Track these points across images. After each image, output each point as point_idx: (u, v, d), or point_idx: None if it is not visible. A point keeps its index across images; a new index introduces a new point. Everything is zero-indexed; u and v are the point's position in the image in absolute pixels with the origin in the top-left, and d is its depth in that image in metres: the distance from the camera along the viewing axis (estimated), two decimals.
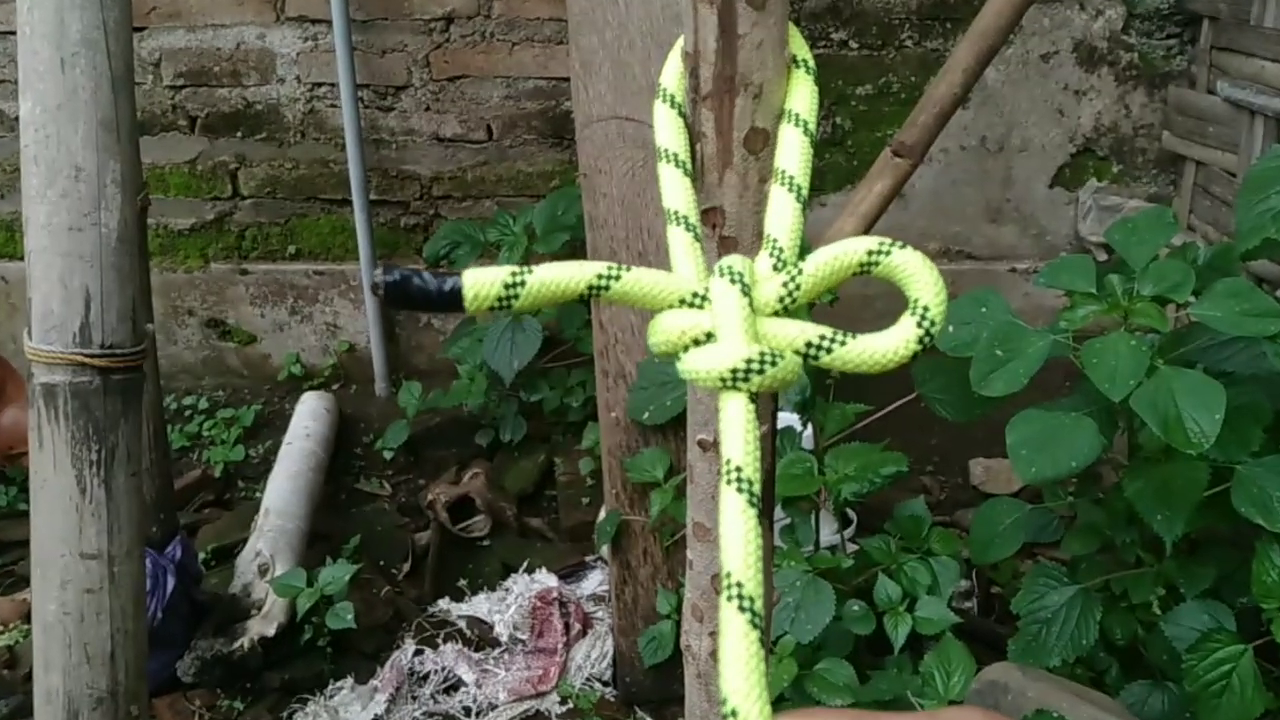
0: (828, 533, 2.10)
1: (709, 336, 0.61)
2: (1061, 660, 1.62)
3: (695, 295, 0.62)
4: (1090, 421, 1.49)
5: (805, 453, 1.88)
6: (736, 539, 0.55)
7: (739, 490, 0.57)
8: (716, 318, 0.60)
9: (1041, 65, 3.08)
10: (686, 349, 0.62)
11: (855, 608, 1.78)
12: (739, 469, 0.58)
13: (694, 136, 0.68)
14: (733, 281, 0.60)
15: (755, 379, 0.59)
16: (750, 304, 0.59)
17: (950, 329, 1.64)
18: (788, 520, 1.90)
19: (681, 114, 0.68)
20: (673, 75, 0.70)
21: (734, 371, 0.59)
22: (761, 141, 0.64)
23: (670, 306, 0.63)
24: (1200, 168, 3.01)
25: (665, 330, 0.62)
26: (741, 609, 0.53)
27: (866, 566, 1.85)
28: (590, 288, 0.60)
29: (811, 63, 0.66)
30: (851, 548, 2.03)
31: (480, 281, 0.57)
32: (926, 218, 3.23)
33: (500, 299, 0.58)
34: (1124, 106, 3.12)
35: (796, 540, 1.87)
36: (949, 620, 1.74)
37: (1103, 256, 3.08)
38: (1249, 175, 1.52)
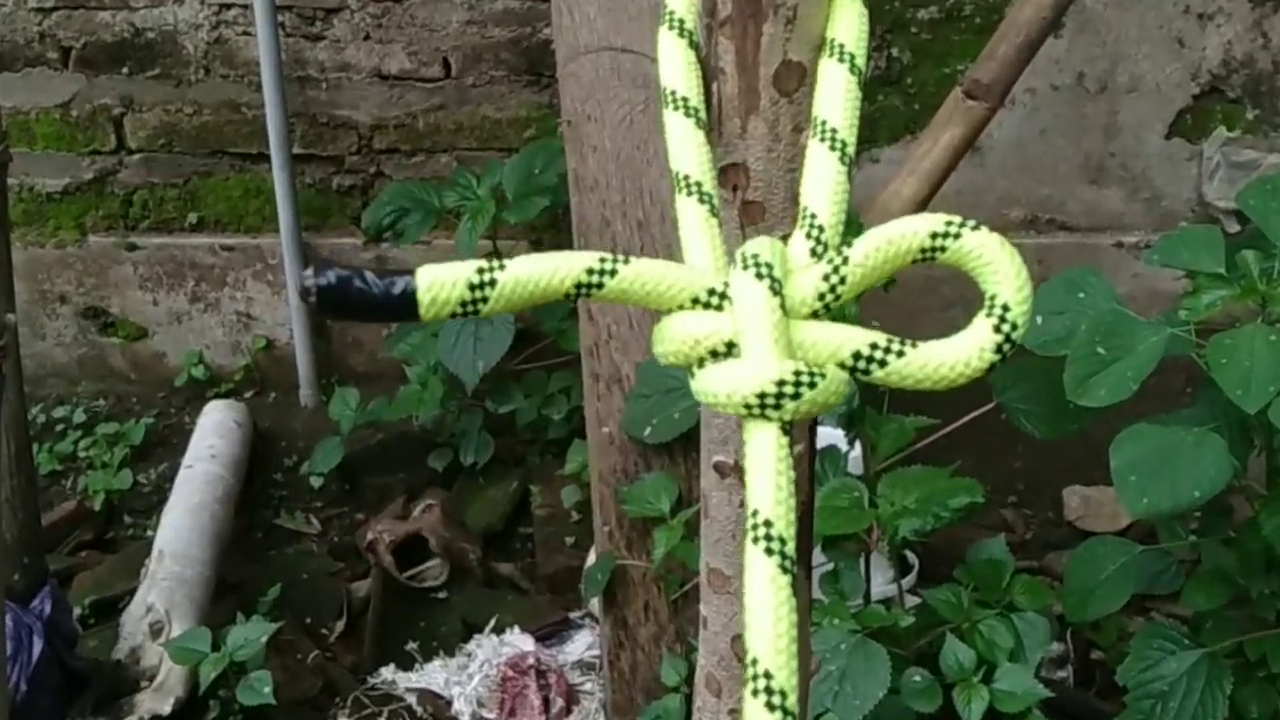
0: (881, 581, 2.10)
1: (730, 347, 0.60)
2: None
3: (712, 293, 0.61)
4: (1218, 439, 1.49)
5: (853, 479, 1.88)
6: (765, 616, 0.55)
7: (768, 552, 0.56)
8: (739, 323, 0.59)
9: None
10: (701, 362, 0.62)
11: (917, 678, 1.78)
12: (768, 523, 0.57)
13: (709, 74, 0.67)
14: (759, 275, 0.59)
15: (789, 405, 0.58)
16: (782, 305, 0.59)
17: (1038, 321, 1.64)
18: (830, 566, 1.90)
19: (693, 44, 0.68)
20: None
21: (762, 396, 0.58)
22: (796, 79, 0.64)
23: (681, 307, 0.62)
24: None
25: (675, 338, 0.62)
26: (771, 706, 0.53)
27: (931, 625, 1.85)
28: (578, 285, 0.59)
29: None
30: (912, 601, 2.03)
31: (438, 282, 0.57)
32: (1007, 177, 3.23)
33: (464, 303, 0.57)
34: (1261, 34, 3.11)
35: (841, 591, 1.86)
36: (1037, 694, 1.74)
37: (1234, 227, 3.08)
38: None
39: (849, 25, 0.64)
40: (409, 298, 0.56)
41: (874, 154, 3.19)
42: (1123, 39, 3.12)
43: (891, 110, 3.18)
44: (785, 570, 0.55)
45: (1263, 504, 1.56)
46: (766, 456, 0.58)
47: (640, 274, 0.60)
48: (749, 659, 0.55)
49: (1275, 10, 3.09)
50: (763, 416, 0.59)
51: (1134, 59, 3.13)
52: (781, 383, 0.58)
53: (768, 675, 0.54)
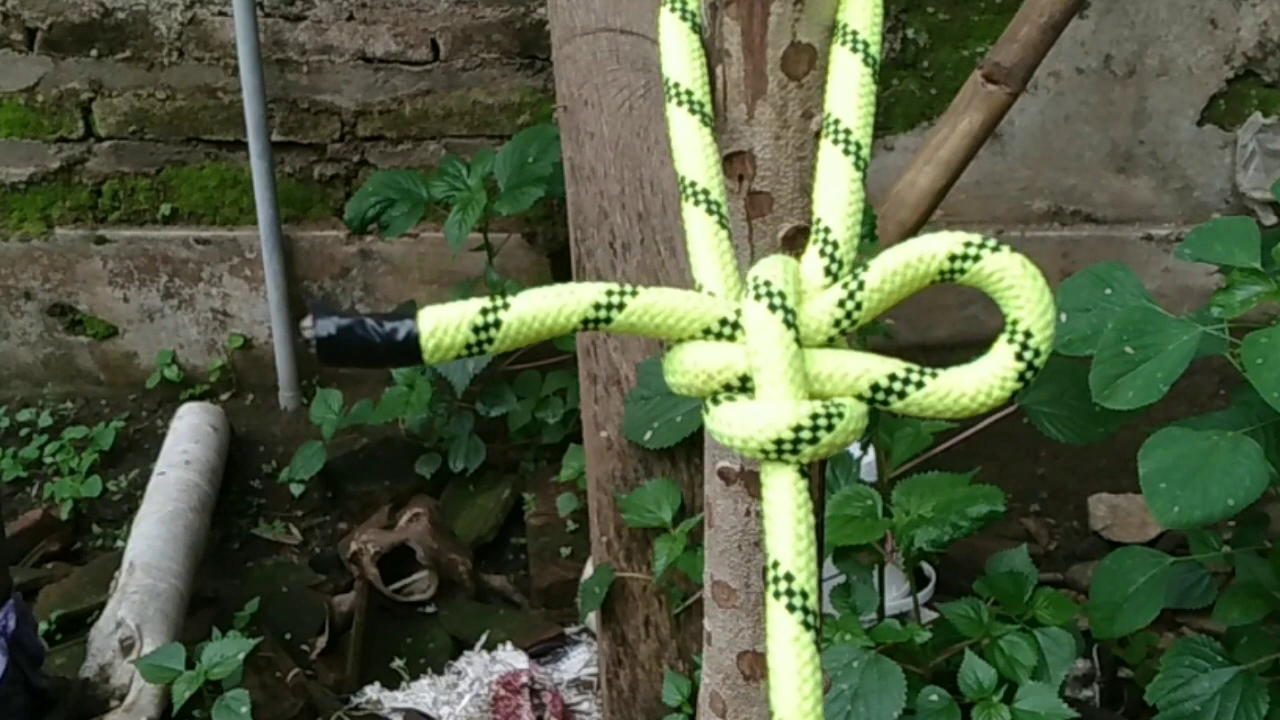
0: (896, 595, 2.10)
1: (744, 381, 0.61)
2: None
3: (724, 323, 0.62)
4: (1252, 444, 1.49)
5: (866, 486, 1.88)
6: (789, 677, 0.55)
7: (790, 608, 0.57)
8: (753, 359, 0.60)
9: None
10: (716, 397, 0.62)
11: (934, 698, 1.78)
12: (789, 577, 0.57)
13: (713, 57, 0.68)
14: (772, 308, 0.59)
15: (806, 450, 0.59)
16: (796, 336, 0.59)
17: (1063, 318, 1.64)
18: (842, 579, 1.90)
19: (696, 27, 0.68)
20: None
21: (779, 442, 0.59)
22: (806, 63, 0.64)
23: (693, 337, 0.63)
24: None
25: (687, 370, 0.62)
26: None
27: (949, 641, 1.85)
28: (585, 321, 0.60)
29: None
30: (928, 615, 2.03)
31: (441, 326, 0.57)
32: (1030, 166, 3.23)
33: (470, 345, 0.58)
34: None
35: (853, 606, 1.87)
36: (1061, 715, 1.74)
37: (1270, 219, 3.08)
38: None
39: (862, 6, 0.65)
40: (412, 343, 0.57)
41: (888, 141, 3.20)
42: (1152, 19, 3.12)
43: (907, 95, 3.19)
44: (808, 627, 0.57)
45: None
46: (785, 503, 0.59)
47: (649, 306, 0.61)
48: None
49: None
50: (781, 460, 0.60)
51: (1164, 40, 3.14)
52: (799, 428, 0.59)
53: None
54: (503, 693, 2.38)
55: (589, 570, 2.23)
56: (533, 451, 3.00)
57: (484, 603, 2.75)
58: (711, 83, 0.68)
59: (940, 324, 3.09)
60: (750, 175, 0.67)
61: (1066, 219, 3.28)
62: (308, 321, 0.57)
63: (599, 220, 1.98)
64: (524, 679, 2.40)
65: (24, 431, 3.28)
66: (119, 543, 2.82)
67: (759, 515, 0.72)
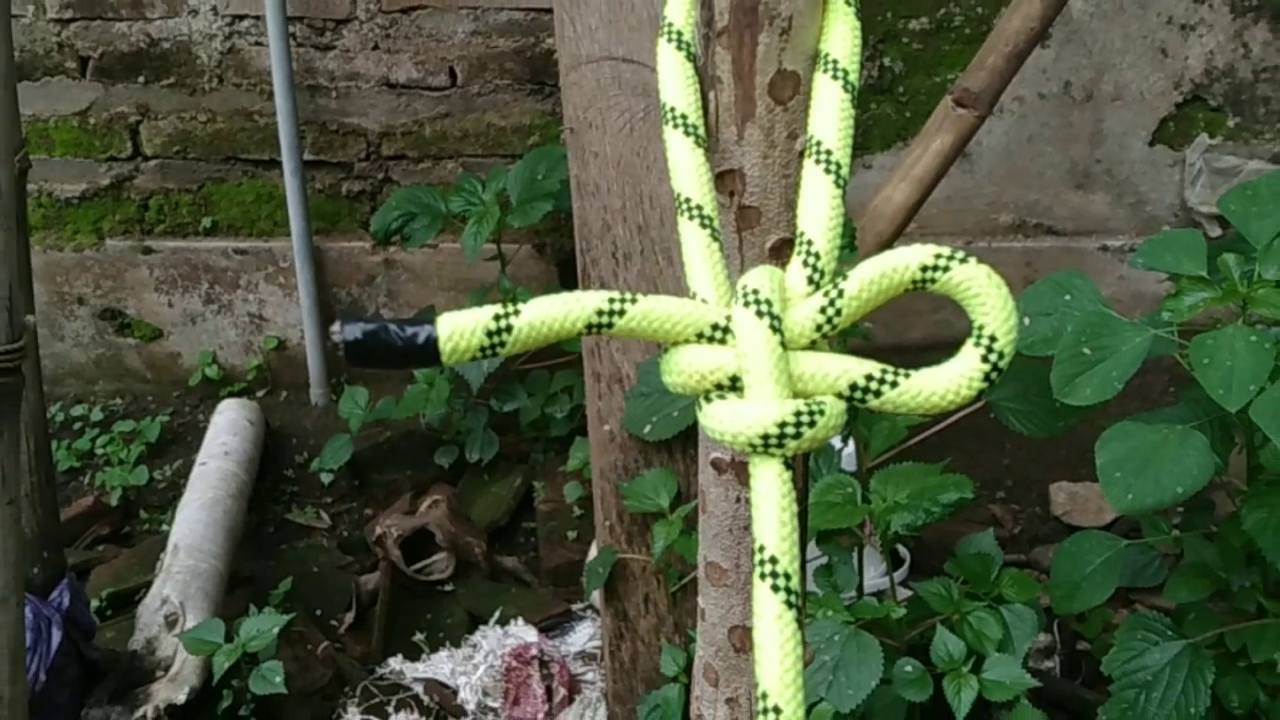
0: (873, 575, 2.10)
1: (734, 381, 0.62)
2: None
3: (716, 328, 0.62)
4: (1200, 437, 1.49)
5: (846, 475, 1.88)
6: (772, 651, 0.56)
7: (774, 589, 0.57)
8: (742, 360, 0.60)
9: None
10: (708, 395, 0.63)
11: (908, 668, 1.78)
12: (774, 559, 0.58)
13: (706, 82, 0.68)
14: (760, 314, 0.60)
15: (791, 444, 0.60)
16: (781, 341, 0.60)
17: (1026, 321, 1.64)
18: (824, 560, 1.90)
19: (691, 57, 0.68)
20: (680, 7, 0.70)
21: (765, 437, 0.60)
22: (791, 88, 0.64)
23: (687, 341, 0.63)
24: None
25: (683, 370, 0.63)
26: None
27: (922, 617, 1.85)
28: (589, 325, 0.60)
29: None
30: (903, 593, 2.03)
31: (458, 329, 0.58)
32: (996, 183, 3.23)
33: (483, 348, 0.58)
34: (1242, 44, 3.12)
35: (835, 585, 1.87)
36: (1024, 683, 1.74)
37: (1216, 231, 3.08)
38: None
39: (842, 38, 0.65)
40: (431, 346, 0.58)
41: (867, 160, 3.19)
42: (1108, 49, 3.12)
43: (884, 118, 3.19)
44: (791, 606, 0.57)
45: (1244, 500, 1.56)
46: (771, 493, 0.60)
47: (647, 312, 0.61)
48: (759, 693, 0.56)
49: (1256, 21, 3.10)
50: (767, 454, 0.60)
51: (1119, 68, 3.14)
52: (783, 424, 0.59)
53: (778, 711, 0.55)
54: (514, 664, 2.38)
55: (593, 552, 2.22)
56: (542, 444, 3.00)
57: (497, 582, 2.75)
58: (705, 107, 0.67)
59: (914, 327, 3.09)
60: (740, 191, 0.67)
61: (1029, 231, 3.28)
62: (336, 327, 0.57)
63: (602, 232, 1.97)
64: (534, 651, 2.40)
65: (77, 425, 3.28)
66: (164, 527, 2.82)
67: (748, 502, 0.72)
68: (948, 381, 0.60)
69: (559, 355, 2.88)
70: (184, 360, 3.41)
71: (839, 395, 0.61)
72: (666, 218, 1.91)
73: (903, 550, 2.34)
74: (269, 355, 3.39)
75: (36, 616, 2.11)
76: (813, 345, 0.62)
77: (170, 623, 2.31)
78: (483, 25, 3.13)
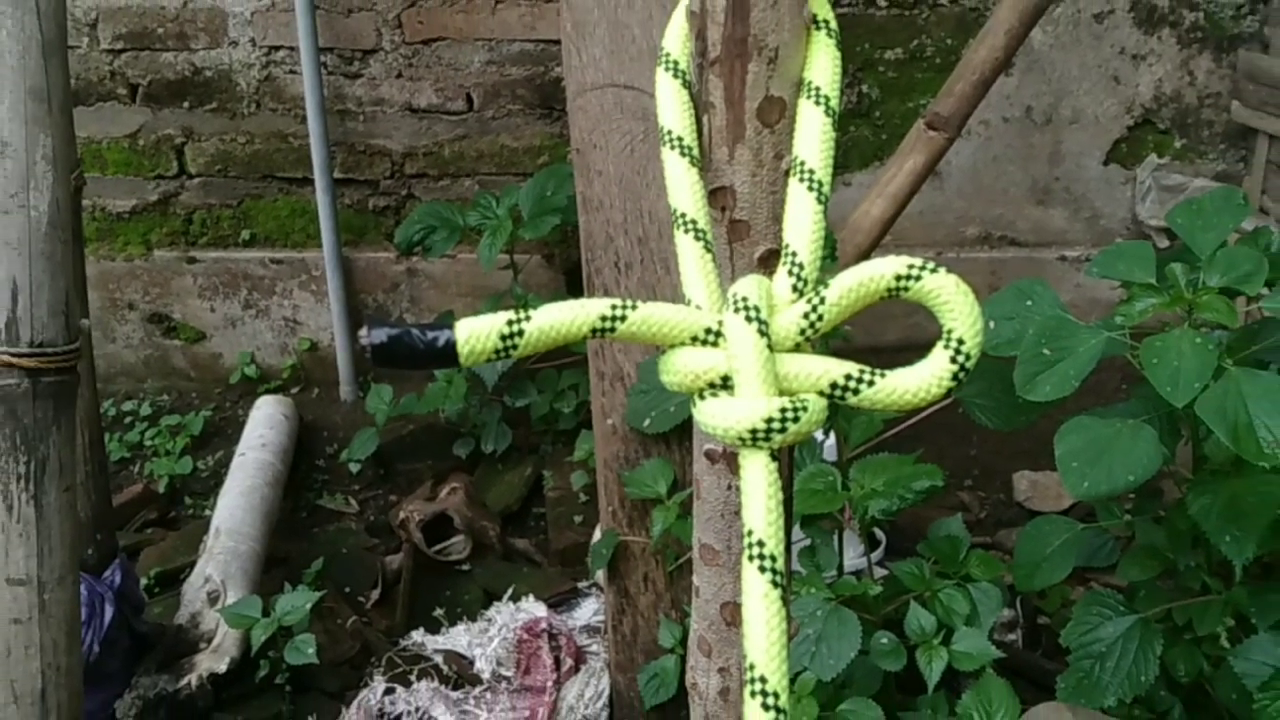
0: (853, 555, 2.10)
1: (725, 380, 0.62)
2: (1118, 700, 1.62)
3: (709, 331, 0.62)
4: (1149, 430, 1.49)
5: (827, 465, 1.88)
6: (760, 626, 0.56)
7: (761, 569, 0.57)
8: (732, 362, 0.60)
9: (1095, 26, 3.08)
10: (702, 393, 0.63)
11: (884, 640, 1.78)
12: (761, 543, 0.58)
13: (700, 107, 0.68)
14: (748, 319, 0.60)
15: (777, 438, 0.60)
16: (768, 344, 0.60)
17: (991, 324, 1.64)
18: (807, 542, 1.90)
19: (686, 84, 0.68)
20: (677, 38, 0.70)
21: (753, 431, 0.60)
22: (778, 112, 0.64)
23: (683, 344, 0.63)
24: (1274, 142, 3.00)
25: (679, 370, 0.63)
26: (767, 706, 0.54)
27: (897, 594, 1.85)
28: (594, 330, 0.60)
29: (834, 23, 0.66)
30: (880, 572, 2.03)
31: (474, 334, 0.58)
32: (964, 199, 3.23)
33: (497, 351, 0.59)
34: (1188, 73, 3.12)
35: (817, 564, 1.87)
36: (990, 654, 1.74)
37: (1164, 243, 3.08)
38: None
39: (824, 66, 0.65)
40: (450, 349, 0.58)
41: (847, 178, 3.20)
42: (1066, 77, 3.12)
43: (862, 140, 3.19)
44: (777, 585, 0.57)
45: (1189, 487, 1.56)
46: (759, 483, 0.60)
47: (646, 318, 0.61)
48: (747, 664, 0.56)
49: (1200, 52, 3.10)
50: (755, 447, 0.60)
51: (1075, 95, 3.14)
52: (770, 420, 0.59)
53: (764, 680, 0.55)
54: (525, 636, 2.38)
55: (598, 535, 2.22)
56: (551, 436, 3.00)
57: (510, 562, 2.75)
58: (699, 130, 0.67)
59: (889, 329, 3.09)
60: (731, 206, 0.67)
61: (994, 243, 3.28)
62: (364, 331, 0.57)
63: (606, 244, 1.97)
64: (543, 625, 2.40)
65: (128, 419, 3.29)
66: (206, 512, 2.82)
67: (738, 490, 0.72)
68: (920, 380, 0.60)
69: (566, 356, 2.88)
70: (225, 360, 3.41)
71: (821, 393, 0.61)
72: (664, 231, 1.91)
73: (879, 533, 2.34)
74: (302, 356, 3.39)
75: (91, 593, 2.11)
76: (797, 347, 0.62)
77: (212, 599, 2.31)
78: (497, 55, 3.13)
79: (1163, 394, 1.38)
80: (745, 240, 0.68)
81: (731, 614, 0.78)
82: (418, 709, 2.26)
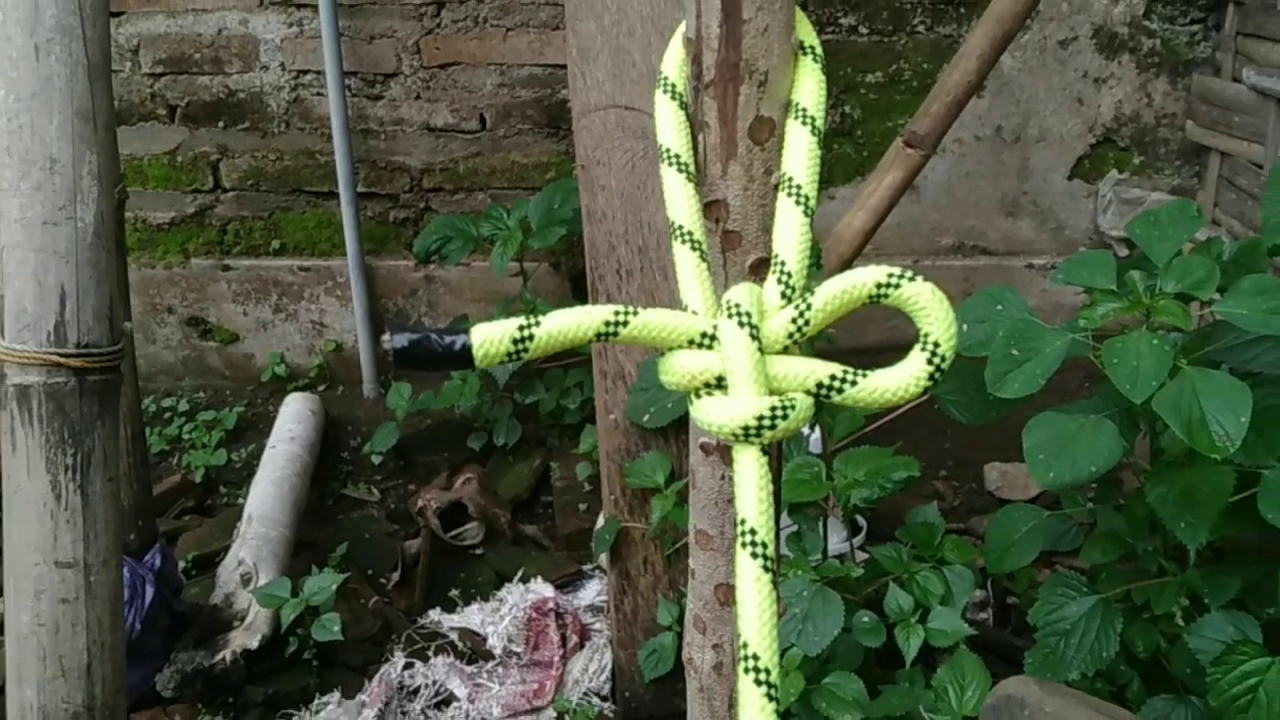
0: (836, 540, 2.10)
1: (719, 380, 0.62)
2: (1081, 674, 1.62)
3: (704, 335, 0.63)
4: (1110, 424, 1.49)
5: (813, 457, 1.88)
6: (751, 606, 0.56)
7: (753, 555, 0.57)
8: (726, 363, 0.61)
9: (1060, 52, 3.08)
10: (699, 392, 0.63)
11: (865, 619, 1.78)
12: (753, 531, 0.58)
13: (696, 126, 0.68)
14: (741, 324, 0.60)
15: (767, 434, 0.60)
16: (759, 346, 0.60)
17: (964, 327, 1.64)
18: (795, 528, 1.90)
19: (683, 105, 0.68)
20: (674, 63, 0.70)
21: (746, 428, 0.60)
22: (767, 131, 0.64)
23: (681, 347, 0.63)
24: (1225, 159, 3.01)
25: (677, 371, 0.63)
26: (758, 682, 0.54)
27: (877, 576, 1.85)
28: (599, 334, 0.60)
29: (819, 49, 0.66)
30: (861, 556, 2.03)
31: (489, 338, 0.58)
32: (940, 211, 3.23)
33: (509, 354, 0.59)
34: (1146, 95, 3.12)
35: (804, 549, 1.87)
36: (963, 632, 1.74)
37: (1124, 252, 3.08)
38: (1277, 167, 1.52)
39: (810, 89, 0.65)
40: (466, 352, 0.58)
41: (831, 192, 3.20)
42: (1033, 98, 3.13)
43: (845, 157, 3.19)
44: (767, 569, 0.57)
45: (1147, 477, 1.56)
46: (750, 474, 0.60)
47: (646, 323, 0.62)
48: (740, 642, 0.56)
49: (1157, 76, 3.10)
50: (748, 442, 0.60)
51: (1042, 115, 3.14)
52: (761, 417, 0.60)
53: (756, 657, 0.55)
54: (534, 615, 2.38)
55: (601, 521, 2.22)
56: (558, 430, 3.00)
57: (520, 546, 2.75)
58: (695, 148, 0.68)
59: (871, 332, 3.09)
60: (724, 218, 0.67)
61: (967, 252, 3.28)
62: (386, 336, 0.57)
63: (609, 252, 1.97)
64: (551, 604, 2.40)
65: (167, 415, 3.29)
66: (240, 500, 2.82)
67: (731, 480, 0.72)
68: (899, 380, 0.60)
69: (572, 356, 2.88)
70: (257, 360, 3.41)
71: (808, 392, 0.61)
72: (662, 241, 1.91)
73: (860, 520, 2.34)
74: (328, 356, 3.39)
75: (133, 575, 2.11)
76: (786, 350, 0.62)
77: (245, 581, 2.31)
78: (508, 79, 3.14)
79: (1123, 391, 1.39)
80: (738, 250, 0.68)
81: (725, 594, 0.78)
82: (435, 681, 2.26)
